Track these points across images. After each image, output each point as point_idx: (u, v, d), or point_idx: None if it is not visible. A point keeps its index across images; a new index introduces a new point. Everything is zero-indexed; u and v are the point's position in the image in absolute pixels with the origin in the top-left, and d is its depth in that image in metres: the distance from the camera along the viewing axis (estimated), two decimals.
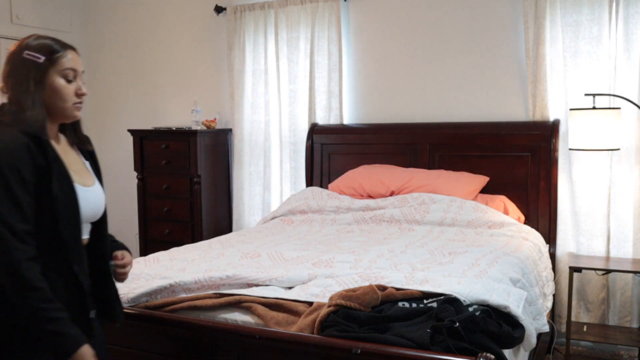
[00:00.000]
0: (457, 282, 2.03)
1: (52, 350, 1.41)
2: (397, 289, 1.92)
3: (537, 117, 3.48)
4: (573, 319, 3.32)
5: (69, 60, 1.53)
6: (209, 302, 2.00)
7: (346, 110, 4.10)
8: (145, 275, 2.31)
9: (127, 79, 4.99)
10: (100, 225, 1.66)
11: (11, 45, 1.56)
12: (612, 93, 3.28)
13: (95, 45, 5.05)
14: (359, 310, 1.78)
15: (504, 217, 3.22)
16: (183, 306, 2.00)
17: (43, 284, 1.38)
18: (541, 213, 3.46)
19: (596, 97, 3.14)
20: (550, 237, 3.41)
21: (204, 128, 4.31)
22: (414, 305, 1.82)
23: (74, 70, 1.54)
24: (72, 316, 1.43)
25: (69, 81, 1.53)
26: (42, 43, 1.52)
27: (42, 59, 1.49)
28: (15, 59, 1.51)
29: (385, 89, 3.99)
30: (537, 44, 3.43)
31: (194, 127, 4.26)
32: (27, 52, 1.49)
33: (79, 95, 1.55)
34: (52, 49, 1.52)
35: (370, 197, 3.60)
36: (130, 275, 1.79)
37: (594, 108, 3.08)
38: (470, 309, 1.81)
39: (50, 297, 1.39)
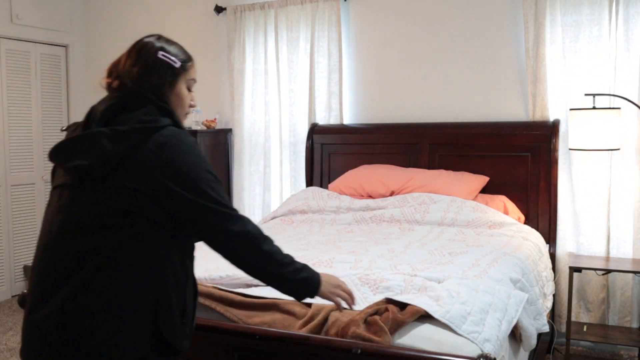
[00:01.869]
0: (450, 295, 1.94)
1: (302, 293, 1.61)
2: (396, 302, 1.88)
3: (537, 117, 3.48)
4: (573, 319, 3.32)
5: (194, 70, 1.58)
6: (209, 301, 2.00)
7: (346, 110, 4.10)
8: None
9: None
10: None
11: (137, 41, 1.52)
12: (612, 93, 3.28)
13: (95, 45, 5.05)
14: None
15: (504, 217, 3.22)
16: None
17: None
18: (541, 213, 3.46)
19: (596, 97, 3.15)
20: (550, 237, 3.41)
21: (204, 128, 4.31)
22: None
23: (195, 80, 1.59)
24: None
25: (189, 90, 1.57)
26: (178, 48, 1.55)
27: (179, 64, 1.51)
28: (148, 57, 1.49)
29: (386, 89, 3.99)
30: (537, 44, 3.43)
31: (194, 127, 4.26)
32: (162, 53, 1.49)
33: (191, 105, 1.60)
34: (186, 57, 1.55)
35: (370, 197, 3.60)
36: None
37: (594, 108, 3.08)
38: None
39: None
